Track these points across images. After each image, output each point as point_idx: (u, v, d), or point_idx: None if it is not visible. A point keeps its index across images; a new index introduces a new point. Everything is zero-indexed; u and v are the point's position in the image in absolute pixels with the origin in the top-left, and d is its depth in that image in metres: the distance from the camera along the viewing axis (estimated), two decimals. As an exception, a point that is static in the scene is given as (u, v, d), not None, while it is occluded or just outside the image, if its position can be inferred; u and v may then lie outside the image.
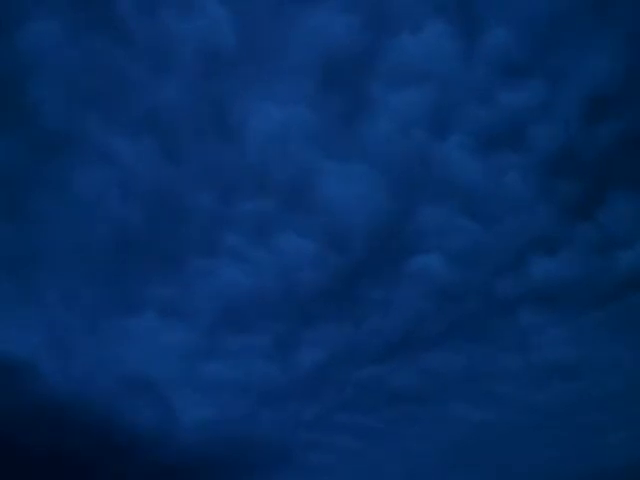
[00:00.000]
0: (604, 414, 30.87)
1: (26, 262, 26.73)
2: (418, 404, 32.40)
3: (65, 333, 27.76)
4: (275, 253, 29.68)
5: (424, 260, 30.10)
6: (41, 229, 26.59)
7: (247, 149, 27.61)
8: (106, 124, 26.02)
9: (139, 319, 29.18)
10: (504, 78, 26.78)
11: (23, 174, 25.79)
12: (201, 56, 25.57)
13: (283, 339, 31.11)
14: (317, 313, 31.08)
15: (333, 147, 28.03)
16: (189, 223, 28.77)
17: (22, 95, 24.60)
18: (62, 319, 27.67)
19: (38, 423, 26.38)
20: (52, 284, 27.47)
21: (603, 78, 26.37)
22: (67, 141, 25.66)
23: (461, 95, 26.99)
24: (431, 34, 25.54)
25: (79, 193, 26.67)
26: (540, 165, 28.26)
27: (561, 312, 31.04)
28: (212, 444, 30.50)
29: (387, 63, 26.30)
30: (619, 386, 30.71)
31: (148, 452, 29.17)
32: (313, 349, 31.41)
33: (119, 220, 27.63)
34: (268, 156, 27.75)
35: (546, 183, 28.68)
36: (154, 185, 27.60)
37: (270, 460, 32.25)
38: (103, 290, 28.49)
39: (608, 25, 25.48)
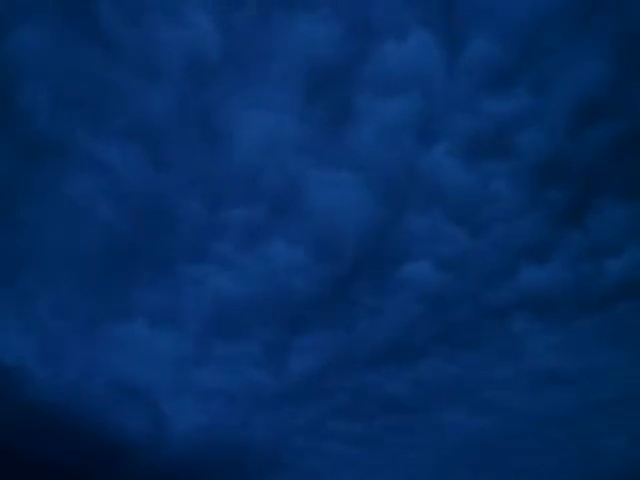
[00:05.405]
0: (598, 420, 30.81)
1: (16, 269, 26.98)
2: (411, 411, 32.37)
3: (56, 340, 27.97)
4: (264, 260, 29.87)
5: (414, 267, 30.17)
6: (31, 236, 26.87)
7: (235, 156, 27.87)
8: (94, 131, 26.36)
9: (130, 326, 29.41)
10: (490, 86, 26.84)
11: (12, 181, 26.11)
12: (187, 64, 25.87)
13: (274, 346, 31.22)
14: (308, 320, 31.22)
15: (320, 155, 28.23)
16: (178, 230, 29.08)
17: (11, 102, 24.94)
18: (53, 326, 27.91)
19: (29, 430, 26.50)
20: (42, 291, 27.73)
21: (590, 84, 26.36)
22: (56, 148, 26.00)
23: (447, 103, 27.11)
24: (415, 43, 25.70)
25: (68, 200, 26.97)
26: (528, 172, 28.25)
27: (553, 319, 31.03)
28: (204, 451, 30.56)
29: (372, 72, 26.51)
30: (612, 392, 30.62)
31: (140, 459, 29.25)
32: (305, 356, 31.54)
33: (108, 227, 27.94)
34: (256, 163, 27.98)
35: (534, 190, 28.67)
36: (143, 192, 27.91)
37: (263, 466, 32.26)
38: (94, 297, 28.74)
39: (594, 31, 25.50)
